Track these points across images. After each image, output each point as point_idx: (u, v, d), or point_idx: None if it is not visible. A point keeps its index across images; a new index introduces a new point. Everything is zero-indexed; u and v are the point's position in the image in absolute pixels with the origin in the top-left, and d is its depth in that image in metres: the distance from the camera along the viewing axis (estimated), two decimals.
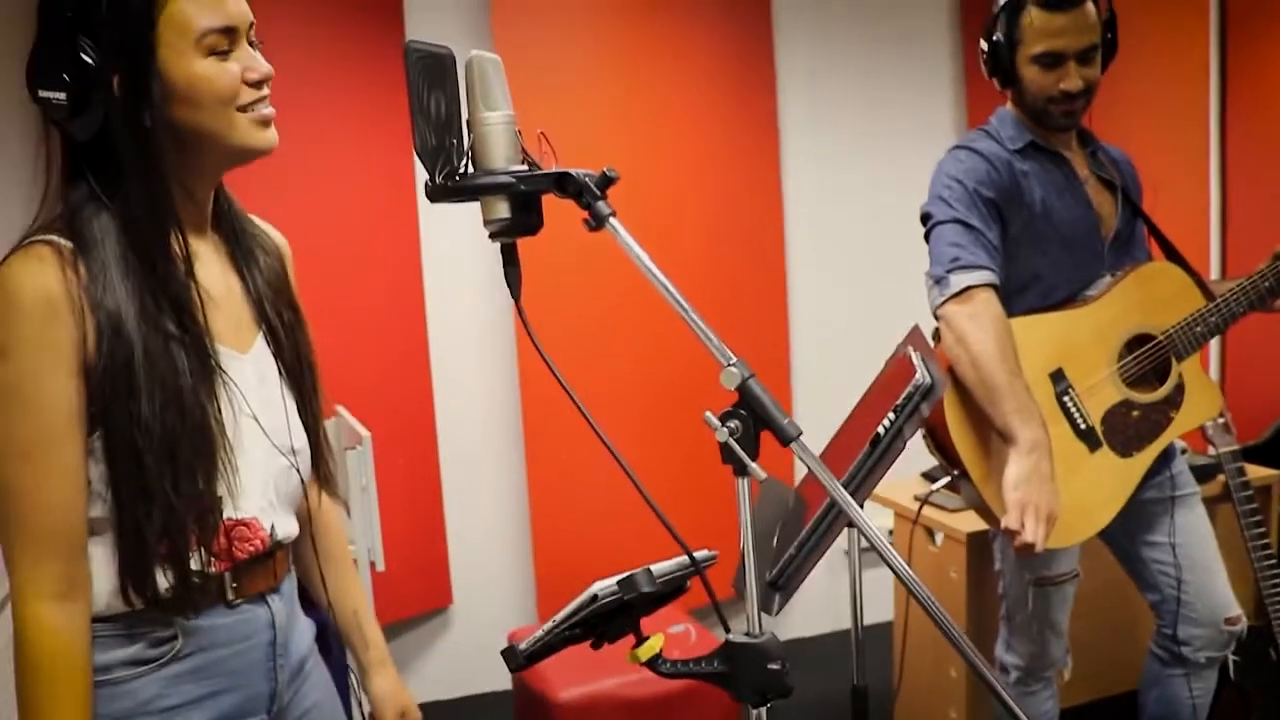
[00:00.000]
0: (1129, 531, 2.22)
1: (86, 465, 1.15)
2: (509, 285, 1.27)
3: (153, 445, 1.13)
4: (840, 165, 3.76)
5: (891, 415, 1.37)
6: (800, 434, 1.15)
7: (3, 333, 1.10)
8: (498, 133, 1.23)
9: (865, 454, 1.38)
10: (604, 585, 1.14)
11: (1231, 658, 2.39)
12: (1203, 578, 2.22)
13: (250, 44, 1.22)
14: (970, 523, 2.56)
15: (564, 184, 1.22)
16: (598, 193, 1.22)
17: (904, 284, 3.76)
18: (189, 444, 1.16)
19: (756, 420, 1.16)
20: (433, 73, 1.23)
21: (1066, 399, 2.05)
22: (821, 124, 3.74)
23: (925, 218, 2.16)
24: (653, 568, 1.21)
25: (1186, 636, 2.22)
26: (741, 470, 1.18)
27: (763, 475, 1.16)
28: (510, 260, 1.28)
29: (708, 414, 1.17)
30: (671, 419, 3.37)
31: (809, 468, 1.15)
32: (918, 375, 1.36)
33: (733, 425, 1.16)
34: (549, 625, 1.17)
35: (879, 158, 3.79)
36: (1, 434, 1.12)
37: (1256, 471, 2.92)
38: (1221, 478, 2.64)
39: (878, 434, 1.37)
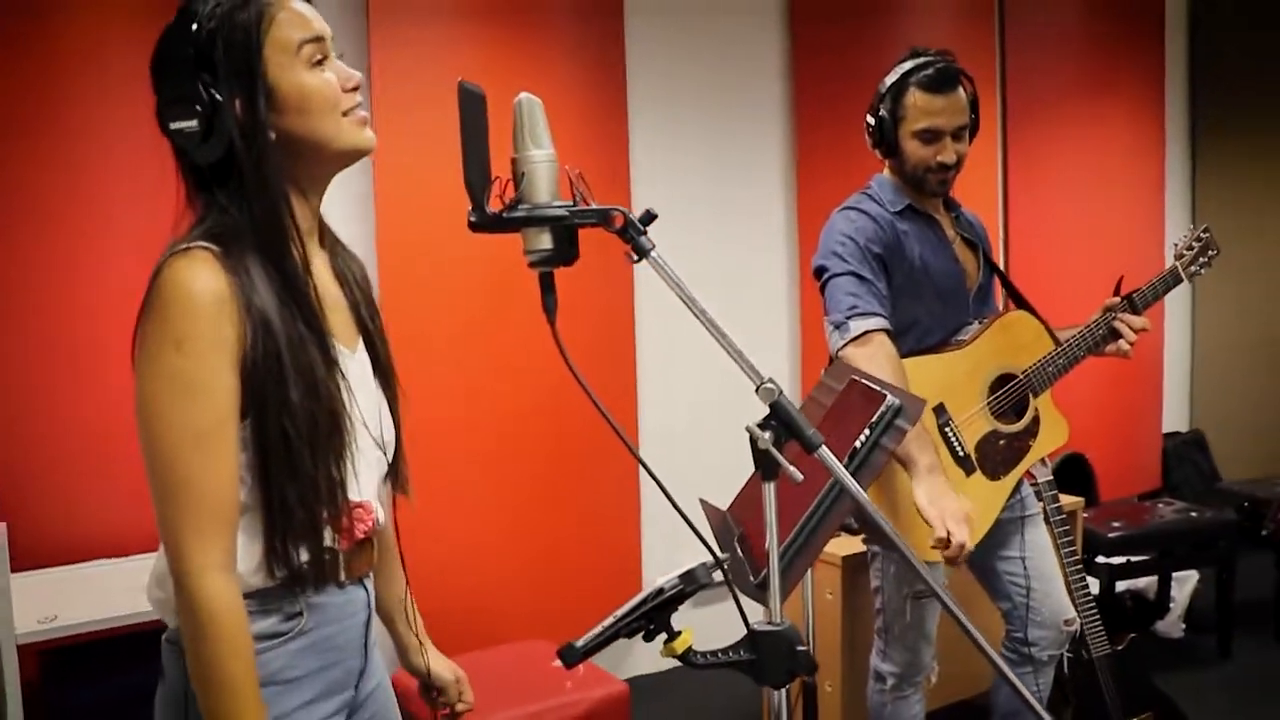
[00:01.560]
0: (987, 548, 2.51)
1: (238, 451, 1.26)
2: (546, 311, 1.38)
3: (298, 429, 1.26)
4: (687, 191, 4.03)
5: (866, 432, 1.56)
6: (823, 442, 1.32)
7: (181, 325, 1.21)
8: (544, 170, 1.34)
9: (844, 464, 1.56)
10: (667, 579, 1.26)
11: (1066, 655, 2.72)
12: (1047, 586, 2.54)
13: (339, 58, 1.36)
14: (845, 547, 2.80)
15: (610, 219, 1.35)
16: (641, 228, 1.36)
17: (744, 300, 4.04)
18: (326, 428, 1.29)
19: (786, 430, 1.33)
20: (479, 111, 1.34)
21: (948, 429, 2.33)
22: (672, 163, 4.00)
23: (820, 270, 2.40)
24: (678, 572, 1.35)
25: (1034, 638, 2.52)
26: (772, 474, 1.33)
27: (799, 477, 1.31)
28: (548, 288, 1.39)
29: (749, 425, 1.33)
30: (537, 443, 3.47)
31: (832, 471, 1.31)
32: (889, 398, 1.56)
33: (768, 435, 1.32)
34: (610, 620, 1.28)
35: (721, 183, 4.10)
36: (178, 420, 1.22)
37: (1065, 498, 3.31)
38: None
39: (855, 448, 1.56)
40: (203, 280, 1.21)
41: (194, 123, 1.24)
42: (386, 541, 1.60)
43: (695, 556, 1.34)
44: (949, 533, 2.05)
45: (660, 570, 1.35)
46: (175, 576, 1.23)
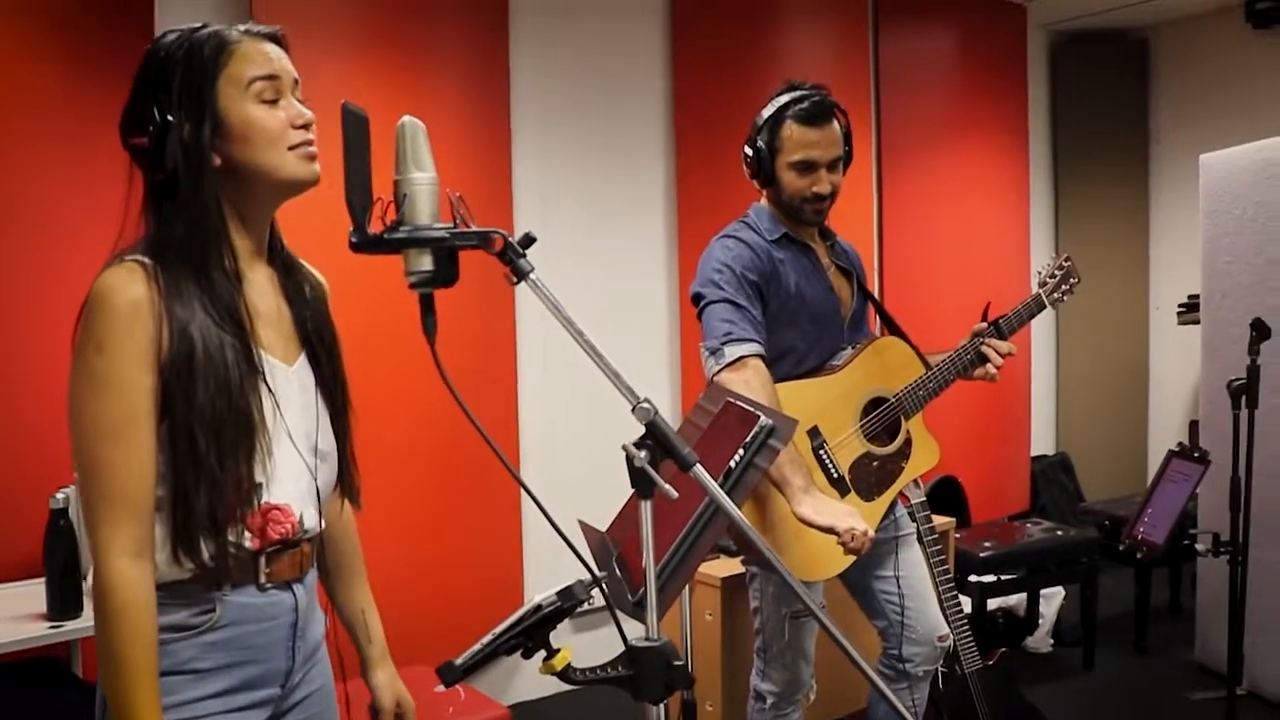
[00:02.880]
0: (862, 567, 2.57)
1: (156, 448, 1.34)
2: (426, 332, 1.39)
3: (204, 425, 1.34)
4: (569, 215, 4.07)
5: (741, 452, 1.60)
6: (697, 461, 1.35)
7: (101, 331, 1.31)
8: (425, 192, 1.35)
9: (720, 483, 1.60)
10: (545, 596, 1.28)
11: (940, 670, 2.81)
12: (921, 604, 2.61)
13: (298, 100, 1.46)
14: (723, 569, 2.85)
15: (490, 241, 1.37)
16: (520, 251, 1.38)
17: (625, 324, 4.08)
18: (233, 427, 1.36)
19: (661, 449, 1.36)
20: (362, 133, 1.35)
21: (822, 452, 2.39)
22: (554, 186, 4.03)
23: (697, 298, 2.45)
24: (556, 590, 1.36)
25: (909, 655, 2.60)
26: (649, 493, 1.36)
27: (674, 494, 1.34)
28: (428, 309, 1.40)
29: (625, 444, 1.35)
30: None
31: (707, 489, 1.35)
32: (762, 419, 1.60)
33: (644, 454, 1.35)
34: (489, 637, 1.28)
35: (602, 208, 4.16)
36: (94, 415, 1.31)
37: (938, 519, 3.42)
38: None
39: (729, 468, 1.60)
40: (124, 289, 1.31)
41: (145, 140, 1.36)
42: (347, 554, 1.71)
43: (577, 577, 1.37)
44: (848, 528, 2.11)
45: (543, 592, 1.37)
46: (92, 561, 1.31)
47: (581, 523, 2.02)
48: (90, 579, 1.40)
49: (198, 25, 1.43)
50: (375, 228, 1.35)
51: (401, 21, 3.55)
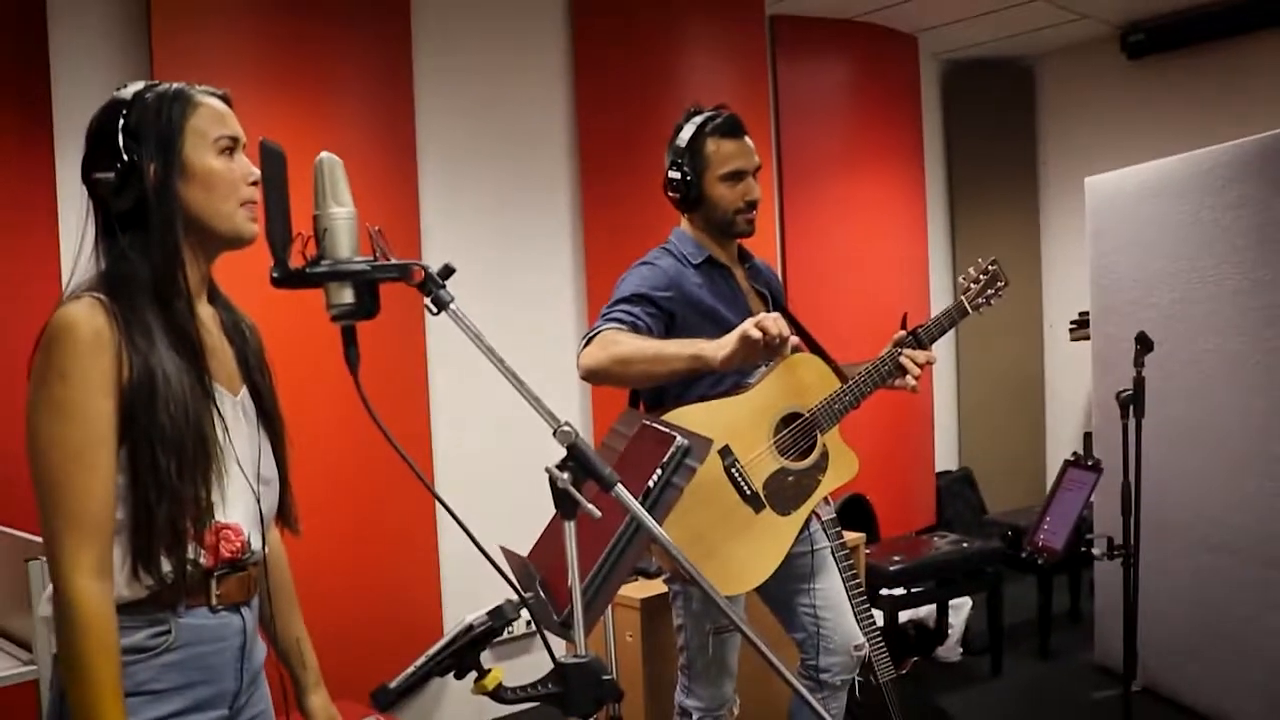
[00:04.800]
0: (780, 580, 2.62)
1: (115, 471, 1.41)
2: (349, 363, 1.43)
3: (164, 445, 1.41)
4: (472, 242, 4.10)
5: (659, 472, 1.65)
6: (619, 481, 1.40)
7: (64, 360, 1.38)
8: (345, 226, 1.39)
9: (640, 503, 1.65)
10: (476, 616, 1.31)
11: (856, 679, 2.88)
12: (837, 615, 2.69)
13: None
14: (643, 590, 2.89)
15: (410, 273, 1.41)
16: (440, 282, 1.42)
17: (533, 351, 4.11)
18: (193, 448, 1.44)
19: (583, 471, 1.40)
20: (280, 169, 1.39)
21: (734, 470, 2.44)
22: (461, 218, 4.07)
23: (603, 317, 2.48)
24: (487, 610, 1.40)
25: (826, 665, 2.67)
26: (572, 513, 1.40)
27: (597, 513, 1.38)
28: (350, 341, 1.44)
29: (548, 466, 1.40)
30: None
31: (628, 508, 1.40)
32: (678, 439, 1.66)
33: (567, 475, 1.39)
34: (423, 660, 1.31)
35: (510, 238, 4.23)
36: (58, 439, 1.38)
37: (848, 534, 3.52)
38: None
39: (649, 488, 1.65)
40: (86, 321, 1.39)
41: (111, 175, 1.46)
42: (283, 583, 1.76)
43: (493, 604, 1.40)
44: (755, 324, 2.13)
45: (460, 611, 1.43)
46: (53, 581, 1.38)
47: (503, 548, 2.05)
48: (45, 603, 1.45)
49: (156, 82, 1.54)
50: (296, 262, 1.39)
51: (304, 56, 3.56)
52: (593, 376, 2.39)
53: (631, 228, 3.98)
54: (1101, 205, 4.18)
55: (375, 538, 3.69)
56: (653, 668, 2.94)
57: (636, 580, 3.02)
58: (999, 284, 2.76)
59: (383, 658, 3.48)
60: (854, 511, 4.64)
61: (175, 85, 1.53)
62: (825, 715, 1.46)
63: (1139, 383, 3.01)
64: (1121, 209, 4.06)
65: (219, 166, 1.52)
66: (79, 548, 1.37)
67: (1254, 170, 3.41)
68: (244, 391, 1.62)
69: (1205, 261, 3.63)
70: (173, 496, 1.42)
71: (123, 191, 1.46)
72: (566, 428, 1.39)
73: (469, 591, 3.86)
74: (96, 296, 1.43)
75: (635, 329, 2.41)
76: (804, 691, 1.41)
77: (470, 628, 1.31)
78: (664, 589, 2.77)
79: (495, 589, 1.47)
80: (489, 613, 1.32)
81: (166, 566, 1.43)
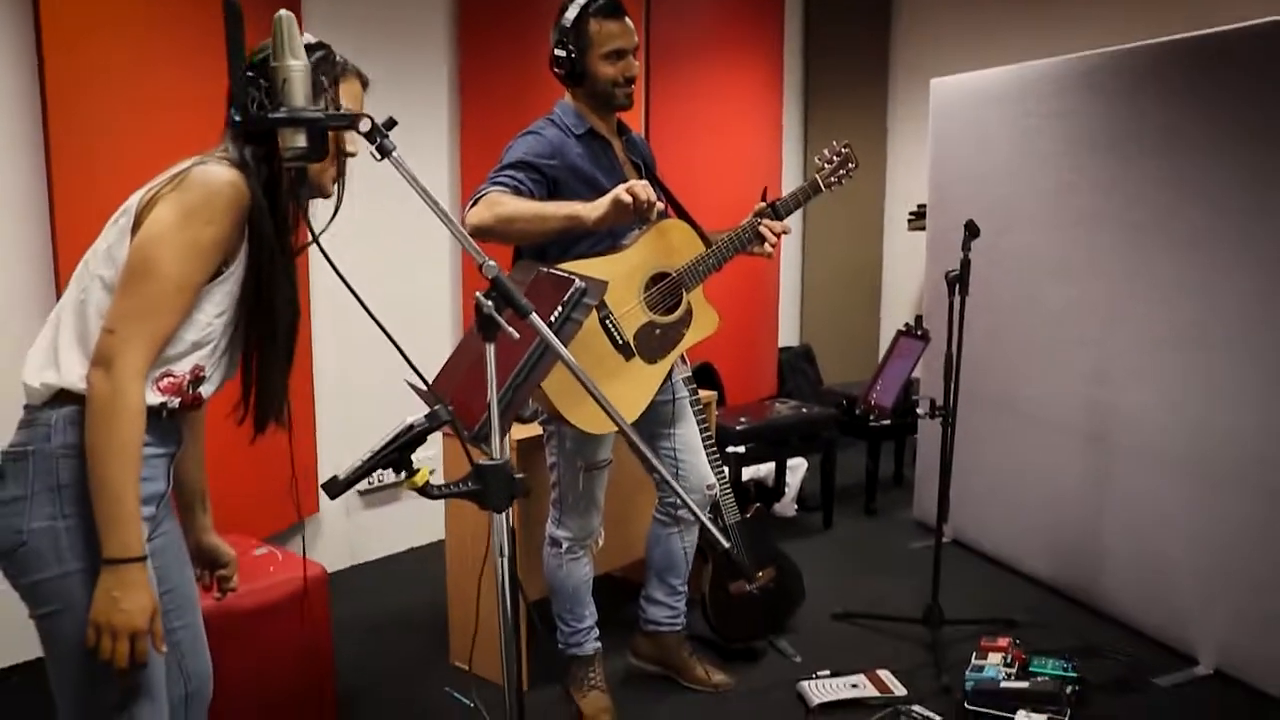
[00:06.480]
0: (645, 424, 2.94)
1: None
2: (298, 200, 1.68)
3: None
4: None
5: (560, 308, 1.90)
6: (534, 309, 1.65)
7: (219, 208, 1.62)
8: (300, 77, 1.57)
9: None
10: (415, 418, 1.55)
11: (708, 516, 3.23)
12: (693, 457, 3.03)
13: None
14: (518, 432, 3.16)
15: (357, 122, 1.60)
16: (384, 132, 1.61)
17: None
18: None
19: (503, 300, 1.64)
20: (239, 27, 1.55)
21: (608, 321, 2.70)
22: None
23: (488, 180, 2.69)
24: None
25: (681, 502, 3.01)
26: (494, 335, 1.64)
27: (516, 335, 1.62)
28: (302, 181, 1.64)
29: (477, 293, 1.63)
30: None
31: (539, 331, 1.65)
32: (577, 281, 1.91)
33: (490, 302, 1.63)
34: (368, 454, 1.55)
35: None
36: (182, 273, 1.61)
37: (702, 392, 3.85)
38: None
39: (551, 320, 1.90)
40: (236, 185, 1.63)
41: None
42: (199, 436, 2.00)
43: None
44: (626, 189, 2.45)
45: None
46: (109, 368, 1.57)
47: (409, 383, 2.28)
48: (79, 380, 1.64)
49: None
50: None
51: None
52: (478, 234, 2.59)
53: (506, 121, 4.10)
54: (944, 106, 4.54)
55: None
56: (525, 503, 3.22)
57: (513, 425, 3.28)
58: (850, 165, 3.05)
59: (266, 500, 3.72)
60: (704, 379, 4.97)
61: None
62: (703, 519, 1.77)
63: (965, 264, 3.38)
64: (961, 111, 4.43)
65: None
66: (144, 359, 1.61)
67: (1075, 85, 3.80)
68: None
69: (1029, 163, 4.04)
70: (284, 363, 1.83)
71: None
72: (491, 263, 1.62)
73: (344, 434, 4.08)
74: (239, 166, 1.66)
75: (518, 192, 2.63)
76: (684, 495, 1.73)
77: (410, 427, 1.55)
78: (538, 432, 3.04)
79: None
80: (425, 416, 1.56)
81: (206, 394, 1.77)
